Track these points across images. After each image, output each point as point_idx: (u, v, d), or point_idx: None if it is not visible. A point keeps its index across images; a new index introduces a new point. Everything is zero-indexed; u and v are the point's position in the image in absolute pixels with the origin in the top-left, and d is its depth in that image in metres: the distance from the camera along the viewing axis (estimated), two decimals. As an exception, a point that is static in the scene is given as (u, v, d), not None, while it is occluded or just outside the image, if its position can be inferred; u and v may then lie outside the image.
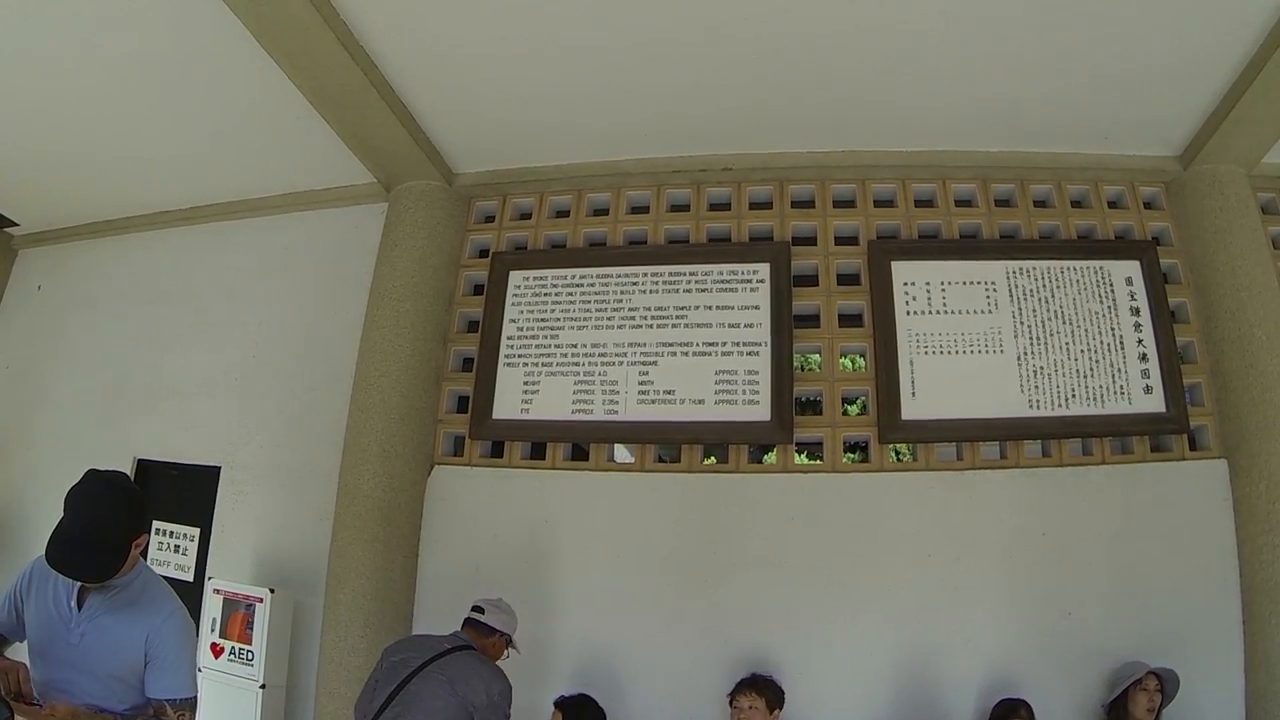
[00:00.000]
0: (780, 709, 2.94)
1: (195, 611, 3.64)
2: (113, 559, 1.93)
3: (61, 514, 1.93)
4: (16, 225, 5.02)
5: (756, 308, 3.62)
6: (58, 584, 2.02)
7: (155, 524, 4.13)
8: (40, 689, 1.97)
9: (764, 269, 3.67)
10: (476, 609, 2.81)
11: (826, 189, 3.85)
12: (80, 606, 2.00)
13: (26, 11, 3.08)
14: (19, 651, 2.09)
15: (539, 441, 3.69)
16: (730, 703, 2.97)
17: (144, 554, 2.08)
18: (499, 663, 2.73)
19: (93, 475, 1.99)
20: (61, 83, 3.50)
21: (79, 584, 2.01)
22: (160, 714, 1.95)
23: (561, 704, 2.91)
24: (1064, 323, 3.51)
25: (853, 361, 4.29)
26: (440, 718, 2.40)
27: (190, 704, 2.00)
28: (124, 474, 2.08)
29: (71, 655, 1.97)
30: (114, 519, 1.92)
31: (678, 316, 3.68)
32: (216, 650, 3.51)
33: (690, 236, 3.86)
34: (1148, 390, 3.39)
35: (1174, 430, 3.35)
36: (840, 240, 3.78)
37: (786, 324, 3.56)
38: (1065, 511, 3.31)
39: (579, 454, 3.73)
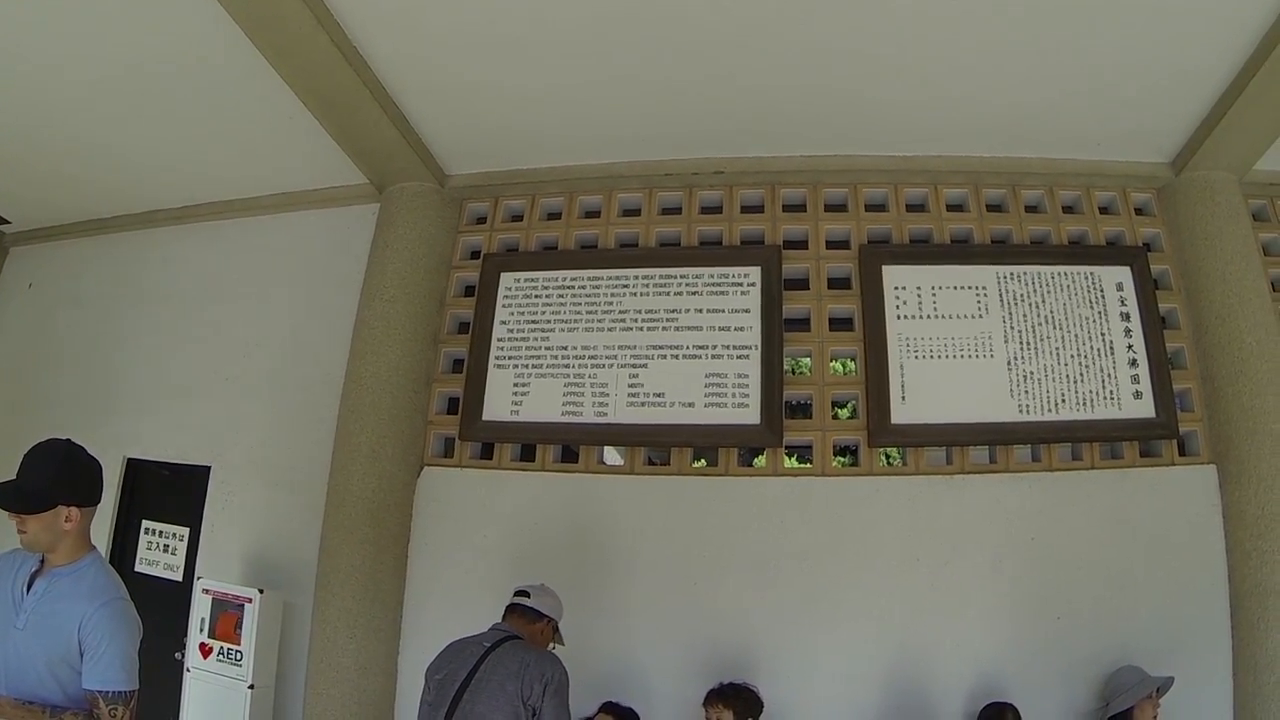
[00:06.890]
0: (755, 717, 2.88)
1: (184, 612, 3.66)
2: (25, 500, 1.97)
3: None
4: (8, 223, 5.01)
5: (747, 311, 3.62)
6: (19, 571, 2.01)
7: (145, 523, 4.12)
8: None
9: (755, 272, 3.67)
10: (521, 593, 2.64)
11: (818, 193, 3.85)
12: (29, 592, 2.00)
13: (20, 11, 3.07)
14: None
15: (529, 443, 3.68)
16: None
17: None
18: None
19: (51, 439, 2.08)
20: (54, 81, 3.49)
21: (32, 570, 2.01)
22: (93, 706, 1.90)
23: (613, 710, 2.90)
24: (1054, 328, 3.51)
25: (843, 365, 4.30)
26: None
27: (124, 698, 1.92)
28: (78, 446, 2.09)
29: (16, 642, 1.94)
30: (43, 470, 1.99)
31: (668, 319, 3.67)
32: (205, 650, 3.50)
33: (682, 239, 3.86)
34: (1137, 395, 3.40)
35: (1163, 435, 3.36)
36: (831, 244, 3.78)
37: (777, 327, 3.56)
38: (1054, 516, 3.32)
39: (569, 456, 3.72)
